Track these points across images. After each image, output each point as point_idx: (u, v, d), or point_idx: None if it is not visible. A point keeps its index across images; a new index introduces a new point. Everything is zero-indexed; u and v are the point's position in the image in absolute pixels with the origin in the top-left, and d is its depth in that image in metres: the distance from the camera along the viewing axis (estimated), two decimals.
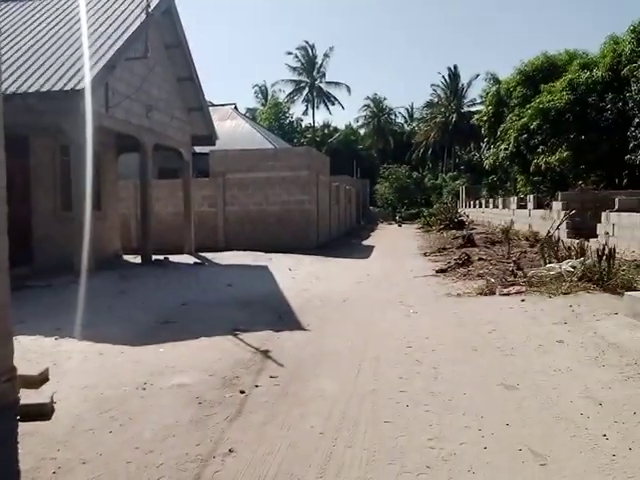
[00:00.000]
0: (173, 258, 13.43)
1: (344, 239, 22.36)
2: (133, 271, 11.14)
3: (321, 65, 59.56)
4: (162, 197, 17.26)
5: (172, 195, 17.14)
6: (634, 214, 10.33)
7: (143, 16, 10.33)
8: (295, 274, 11.53)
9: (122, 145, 13.56)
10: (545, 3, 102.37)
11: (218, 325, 6.73)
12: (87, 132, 9.20)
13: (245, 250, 15.21)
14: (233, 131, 28.20)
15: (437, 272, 11.44)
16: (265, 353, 5.57)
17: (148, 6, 10.18)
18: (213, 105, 31.31)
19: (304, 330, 6.65)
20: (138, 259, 12.95)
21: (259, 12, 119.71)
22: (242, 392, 4.45)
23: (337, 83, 60.35)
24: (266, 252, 14.87)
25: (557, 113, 22.78)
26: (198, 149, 19.25)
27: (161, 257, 12.89)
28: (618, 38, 23.50)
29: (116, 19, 10.93)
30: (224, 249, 15.91)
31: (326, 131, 65.13)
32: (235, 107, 33.60)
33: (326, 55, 59.06)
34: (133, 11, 11.08)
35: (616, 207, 11.68)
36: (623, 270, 8.66)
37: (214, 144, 16.29)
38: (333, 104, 61.10)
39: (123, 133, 11.61)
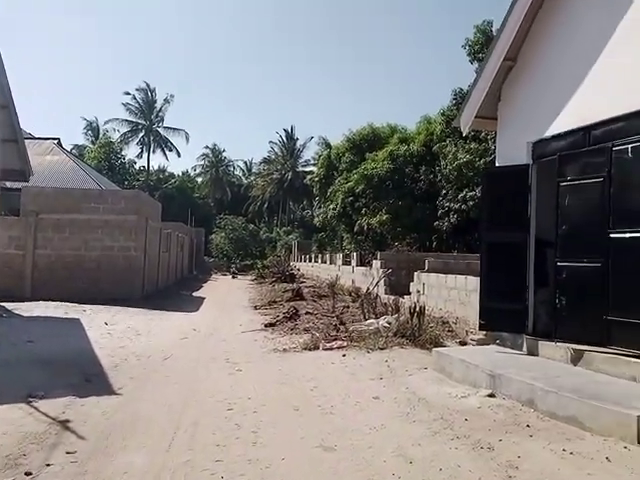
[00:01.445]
0: None
1: (174, 290, 21.36)
2: None
3: (160, 109, 58.39)
4: None
5: None
6: (441, 275, 11.49)
7: None
8: (112, 329, 10.55)
9: None
10: (372, 80, 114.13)
11: (9, 390, 5.76)
12: None
13: (56, 300, 13.61)
14: (54, 168, 25.83)
15: (266, 326, 11.41)
16: (64, 424, 4.85)
17: None
18: (32, 138, 28.57)
19: (115, 394, 5.99)
20: None
21: (96, 44, 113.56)
22: (28, 474, 3.78)
23: (176, 129, 59.49)
24: (82, 303, 13.48)
25: (379, 180, 25.02)
26: (11, 184, 17.17)
27: None
28: (431, 119, 26.95)
29: None
30: (31, 299, 14.05)
31: (161, 176, 63.24)
32: (59, 142, 30.98)
33: (166, 100, 58.20)
34: None
35: (426, 268, 12.90)
36: (431, 326, 9.47)
37: (27, 180, 14.62)
38: (170, 150, 59.86)
39: None
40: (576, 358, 6.32)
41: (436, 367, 7.15)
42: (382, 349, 8.40)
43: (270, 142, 64.12)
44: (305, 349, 8.79)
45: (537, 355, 6.95)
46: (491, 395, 5.83)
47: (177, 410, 5.43)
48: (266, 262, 33.07)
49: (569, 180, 6.75)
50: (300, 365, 7.67)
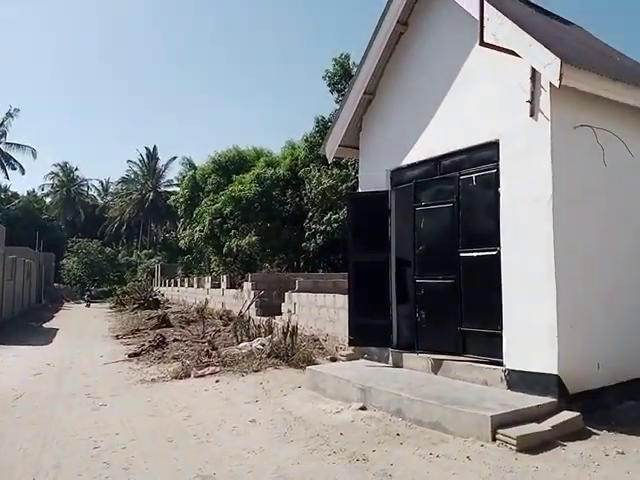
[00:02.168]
0: None
1: (21, 322, 19.30)
2: None
3: (2, 124, 52.75)
4: None
5: None
6: (311, 294, 11.83)
7: None
8: None
9: None
10: (238, 104, 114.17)
11: None
12: None
13: None
14: None
15: (130, 356, 10.79)
16: None
17: None
18: None
19: None
20: None
21: None
22: None
23: (20, 145, 54.07)
24: None
25: (247, 202, 25.10)
26: None
27: None
28: (295, 144, 27.78)
29: None
30: None
31: (3, 196, 56.94)
32: None
33: (9, 114, 52.69)
34: None
35: (297, 288, 13.20)
36: (304, 345, 9.68)
37: None
38: (14, 168, 54.15)
39: None
40: (436, 367, 6.88)
41: (310, 385, 7.32)
42: (257, 371, 8.40)
43: (129, 161, 60.99)
44: (175, 378, 8.47)
45: (402, 367, 7.44)
46: (363, 408, 6.12)
47: (35, 454, 4.94)
48: (126, 288, 31.22)
49: (424, 205, 7.41)
50: (171, 394, 7.38)
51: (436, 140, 7.20)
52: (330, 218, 21.56)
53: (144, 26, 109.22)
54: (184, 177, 35.09)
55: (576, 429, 5.20)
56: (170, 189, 55.86)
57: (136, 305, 24.34)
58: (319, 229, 22.21)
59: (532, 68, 5.77)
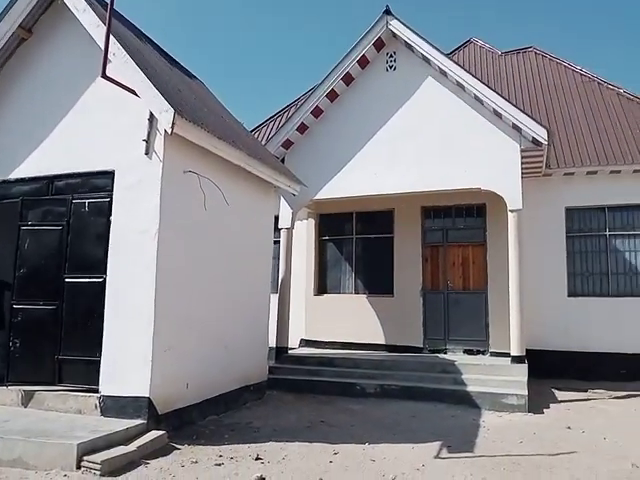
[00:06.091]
0: None
1: None
2: None
3: None
4: None
5: None
6: None
7: None
8: None
9: None
10: None
11: None
12: None
13: None
14: None
15: None
16: None
17: None
18: None
19: None
20: None
21: None
22: None
23: None
24: None
25: None
26: None
27: None
28: None
29: None
30: None
31: None
32: None
33: None
34: None
35: None
36: None
37: None
38: None
39: None
40: (27, 399, 6.39)
41: None
42: None
43: None
44: None
45: None
46: None
47: None
48: None
49: (31, 225, 6.88)
50: None
51: (51, 158, 6.87)
52: None
53: None
54: None
55: (161, 446, 5.67)
56: None
57: None
58: None
59: (150, 111, 6.22)
